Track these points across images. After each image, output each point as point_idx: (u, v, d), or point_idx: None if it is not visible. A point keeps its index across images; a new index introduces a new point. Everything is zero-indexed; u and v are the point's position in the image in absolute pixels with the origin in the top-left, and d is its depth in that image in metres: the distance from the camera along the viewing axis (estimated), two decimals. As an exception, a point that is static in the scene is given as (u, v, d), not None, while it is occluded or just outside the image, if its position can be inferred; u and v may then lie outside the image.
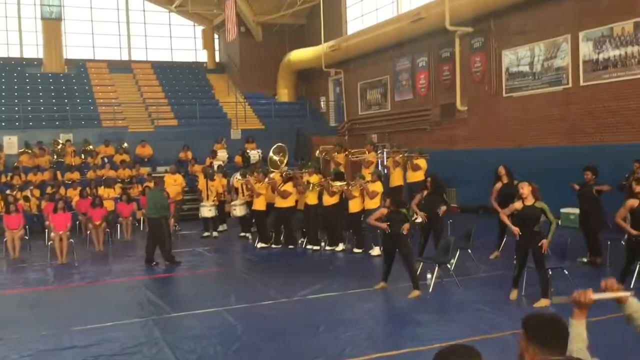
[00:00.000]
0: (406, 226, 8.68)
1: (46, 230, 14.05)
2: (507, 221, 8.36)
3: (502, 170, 11.03)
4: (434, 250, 10.06)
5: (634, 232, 8.32)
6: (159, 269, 11.53)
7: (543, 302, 7.69)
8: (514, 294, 8.19)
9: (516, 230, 8.00)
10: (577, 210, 11.67)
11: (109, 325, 7.72)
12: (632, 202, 8.42)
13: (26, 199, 16.33)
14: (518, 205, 8.07)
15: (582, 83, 14.71)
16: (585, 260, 10.16)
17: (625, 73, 13.67)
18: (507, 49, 16.84)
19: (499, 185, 10.97)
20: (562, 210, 13.56)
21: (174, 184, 16.33)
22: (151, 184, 17.35)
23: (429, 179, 10.87)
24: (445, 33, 18.11)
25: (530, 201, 7.97)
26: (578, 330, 2.85)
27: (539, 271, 7.90)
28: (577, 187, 10.46)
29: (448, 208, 12.51)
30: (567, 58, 15.03)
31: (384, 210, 9.09)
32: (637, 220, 8.36)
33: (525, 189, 8.01)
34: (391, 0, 22.42)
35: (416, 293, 8.60)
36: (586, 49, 14.53)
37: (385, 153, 18.34)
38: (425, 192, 10.78)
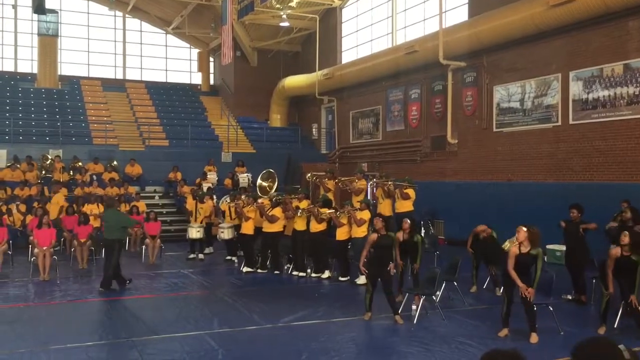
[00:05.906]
0: (391, 266, 8.98)
1: (30, 245, 13.89)
2: (516, 279, 7.71)
3: None
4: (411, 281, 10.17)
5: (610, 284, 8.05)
6: (137, 291, 11.42)
7: (534, 338, 7.69)
8: (503, 332, 8.00)
9: (524, 288, 7.56)
10: (563, 247, 11.71)
11: (89, 345, 7.59)
12: (616, 251, 8.09)
13: (9, 212, 16.14)
14: (516, 250, 7.72)
15: (571, 121, 14.90)
16: (570, 297, 10.16)
17: (614, 113, 13.88)
18: (499, 84, 17.07)
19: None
20: (548, 246, 13.60)
21: None
22: (138, 204, 17.32)
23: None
24: (439, 66, 18.34)
25: (526, 247, 7.68)
26: None
27: (526, 308, 7.82)
28: (563, 224, 10.47)
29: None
30: (557, 96, 15.25)
31: (374, 236, 9.10)
32: (618, 266, 8.05)
33: (520, 233, 7.72)
34: (386, 32, 22.74)
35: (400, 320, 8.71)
36: (576, 88, 14.76)
37: (375, 183, 18.36)
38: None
